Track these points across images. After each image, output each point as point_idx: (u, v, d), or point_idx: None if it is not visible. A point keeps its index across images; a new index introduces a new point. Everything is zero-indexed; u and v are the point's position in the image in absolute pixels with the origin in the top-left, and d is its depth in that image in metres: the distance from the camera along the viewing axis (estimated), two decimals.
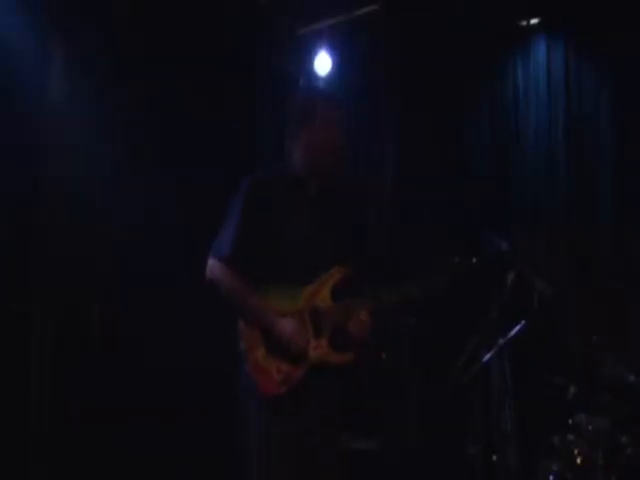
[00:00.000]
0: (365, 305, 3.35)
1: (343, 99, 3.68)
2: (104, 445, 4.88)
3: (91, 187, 4.98)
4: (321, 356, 3.30)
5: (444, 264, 3.39)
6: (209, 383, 5.03)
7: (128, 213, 5.09)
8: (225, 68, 5.60)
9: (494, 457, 3.81)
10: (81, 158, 4.94)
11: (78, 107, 4.94)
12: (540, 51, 5.50)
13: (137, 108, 5.19)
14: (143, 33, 5.16)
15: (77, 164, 4.94)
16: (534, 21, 5.49)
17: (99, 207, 5.03)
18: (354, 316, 3.32)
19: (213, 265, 3.35)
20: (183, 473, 5.14)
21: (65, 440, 4.79)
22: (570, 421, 3.87)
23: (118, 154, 5.02)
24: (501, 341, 3.72)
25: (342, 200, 3.57)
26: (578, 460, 3.69)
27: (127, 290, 5.09)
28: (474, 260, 3.38)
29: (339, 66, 5.85)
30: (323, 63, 5.81)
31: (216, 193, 4.81)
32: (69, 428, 4.81)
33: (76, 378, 4.87)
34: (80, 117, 4.94)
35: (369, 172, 6.01)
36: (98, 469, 4.82)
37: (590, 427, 3.78)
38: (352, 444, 4.82)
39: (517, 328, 3.78)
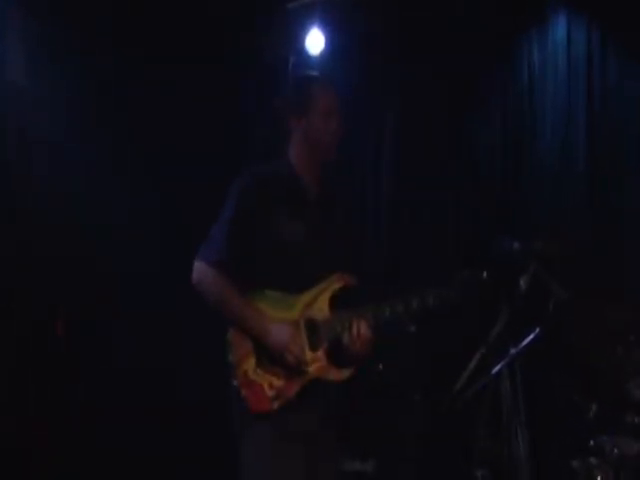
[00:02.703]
0: (365, 316, 3.24)
1: (338, 81, 3.65)
2: (104, 445, 5.03)
3: (74, 183, 5.08)
4: (318, 371, 3.22)
5: (452, 278, 3.31)
6: (209, 383, 4.91)
7: (113, 204, 5.23)
8: (210, 52, 5.67)
9: None
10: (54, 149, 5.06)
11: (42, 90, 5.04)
12: (560, 29, 5.33)
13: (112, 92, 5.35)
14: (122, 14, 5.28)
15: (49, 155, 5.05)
16: None
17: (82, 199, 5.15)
18: (351, 329, 3.22)
19: (200, 269, 3.28)
20: (183, 473, 5.26)
21: (64, 440, 4.92)
22: (591, 443, 3.76)
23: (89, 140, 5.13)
24: (513, 351, 3.60)
25: (340, 201, 3.52)
26: None
27: (126, 290, 5.24)
28: (484, 275, 3.30)
29: (333, 44, 5.72)
30: (315, 41, 5.66)
31: (206, 185, 5.14)
32: (68, 428, 4.94)
33: (75, 378, 5.02)
34: (46, 100, 5.02)
35: (366, 163, 5.97)
36: (98, 469, 4.96)
37: (615, 450, 3.66)
38: (346, 466, 4.79)
39: (531, 337, 3.65)
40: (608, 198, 5.16)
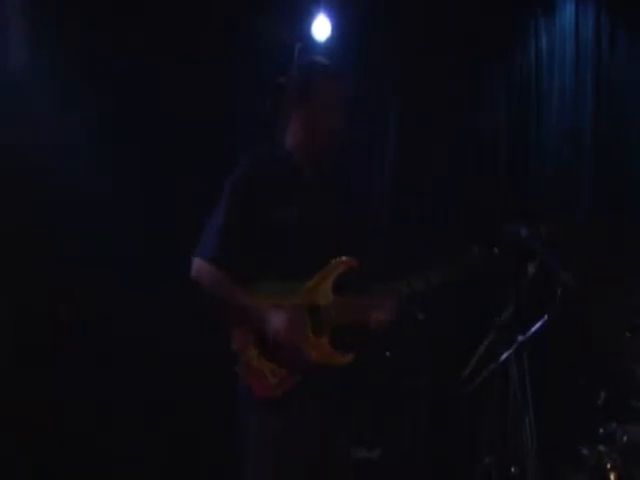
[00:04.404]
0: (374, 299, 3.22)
1: (344, 70, 3.59)
2: (103, 445, 5.00)
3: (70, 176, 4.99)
4: (321, 357, 3.18)
5: (461, 255, 3.27)
6: (209, 383, 4.99)
7: (116, 195, 5.14)
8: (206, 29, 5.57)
9: (512, 469, 3.70)
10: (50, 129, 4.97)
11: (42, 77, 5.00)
12: (568, 13, 5.30)
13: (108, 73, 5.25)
14: None
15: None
16: None
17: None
18: (371, 314, 3.21)
19: (198, 265, 3.25)
20: (183, 473, 5.21)
21: (62, 440, 4.88)
22: (601, 430, 3.76)
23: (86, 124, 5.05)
24: (520, 338, 3.59)
25: (339, 187, 3.48)
26: (612, 476, 3.56)
27: (125, 286, 5.17)
28: (495, 250, 3.26)
29: (340, 30, 5.64)
30: (321, 27, 5.56)
31: (200, 173, 5.08)
32: (66, 429, 4.90)
33: (74, 377, 4.96)
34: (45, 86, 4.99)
35: (370, 145, 5.92)
36: (97, 469, 4.94)
37: (625, 438, 3.65)
38: (353, 453, 4.57)
39: (538, 324, 3.63)
40: (614, 182, 5.14)
